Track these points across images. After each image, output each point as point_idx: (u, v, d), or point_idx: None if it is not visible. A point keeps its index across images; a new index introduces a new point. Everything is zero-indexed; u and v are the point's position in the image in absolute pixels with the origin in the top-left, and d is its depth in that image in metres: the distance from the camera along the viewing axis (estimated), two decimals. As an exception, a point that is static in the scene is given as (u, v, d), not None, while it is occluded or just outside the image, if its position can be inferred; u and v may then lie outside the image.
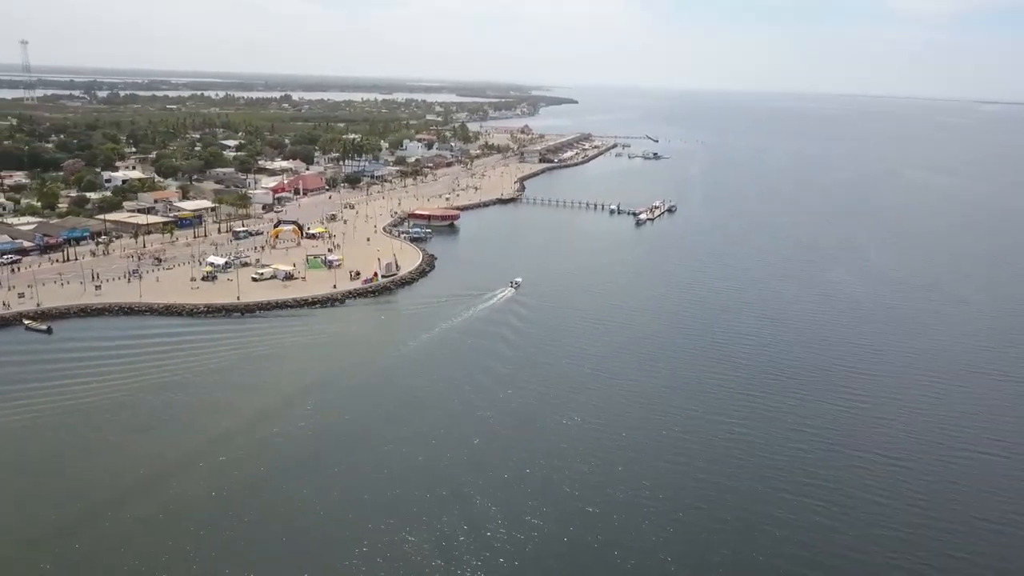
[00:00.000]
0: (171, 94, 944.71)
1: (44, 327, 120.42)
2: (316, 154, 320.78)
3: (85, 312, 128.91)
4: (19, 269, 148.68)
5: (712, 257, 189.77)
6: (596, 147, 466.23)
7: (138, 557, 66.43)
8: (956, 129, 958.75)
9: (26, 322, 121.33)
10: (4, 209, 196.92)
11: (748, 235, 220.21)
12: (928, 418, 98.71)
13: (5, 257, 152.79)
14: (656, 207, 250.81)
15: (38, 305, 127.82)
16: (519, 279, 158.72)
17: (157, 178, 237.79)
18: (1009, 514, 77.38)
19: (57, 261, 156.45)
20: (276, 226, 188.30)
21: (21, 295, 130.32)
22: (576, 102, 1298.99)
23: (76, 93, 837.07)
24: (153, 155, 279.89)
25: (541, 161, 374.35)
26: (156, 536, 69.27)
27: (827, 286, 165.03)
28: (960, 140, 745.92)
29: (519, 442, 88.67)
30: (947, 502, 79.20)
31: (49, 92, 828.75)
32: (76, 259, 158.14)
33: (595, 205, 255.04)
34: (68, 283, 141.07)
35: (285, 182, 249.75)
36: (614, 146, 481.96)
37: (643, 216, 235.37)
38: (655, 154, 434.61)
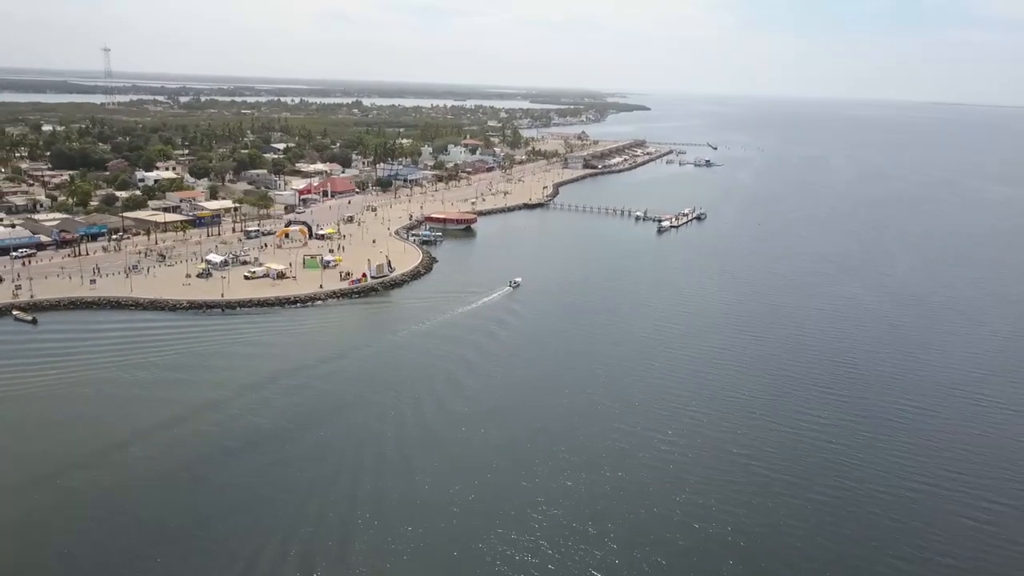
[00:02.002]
0: (250, 99, 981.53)
1: (30, 318, 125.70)
2: (355, 158, 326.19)
3: (75, 305, 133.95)
4: (29, 263, 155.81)
5: (721, 268, 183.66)
6: (648, 153, 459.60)
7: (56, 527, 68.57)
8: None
9: (15, 313, 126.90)
10: (42, 206, 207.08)
11: (769, 245, 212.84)
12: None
13: (21, 251, 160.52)
14: (685, 214, 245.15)
15: (31, 297, 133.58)
16: (519, 279, 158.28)
17: (189, 178, 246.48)
18: None
19: (69, 256, 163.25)
20: (287, 225, 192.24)
21: (18, 287, 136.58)
22: (648, 109, 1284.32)
23: (160, 98, 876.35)
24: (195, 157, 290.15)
25: (585, 167, 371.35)
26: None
27: (829, 298, 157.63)
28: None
29: (440, 453, 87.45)
30: None
31: (135, 97, 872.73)
32: (88, 254, 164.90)
33: (622, 211, 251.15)
34: (70, 277, 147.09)
35: (314, 184, 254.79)
36: (668, 152, 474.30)
37: (666, 223, 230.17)
38: (707, 161, 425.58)
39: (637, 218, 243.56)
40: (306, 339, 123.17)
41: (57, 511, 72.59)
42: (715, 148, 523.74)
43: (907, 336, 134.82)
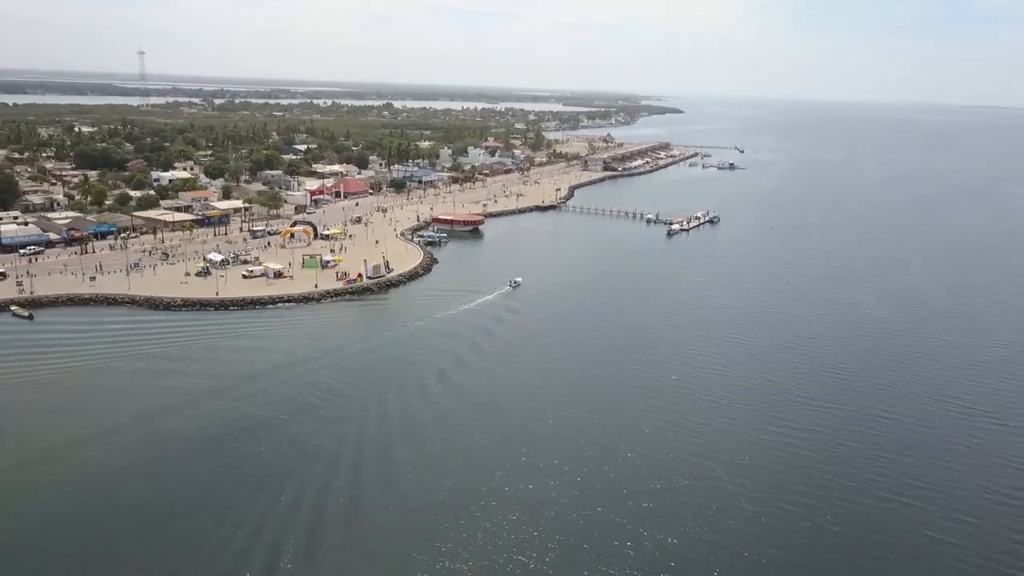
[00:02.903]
0: (283, 102, 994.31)
1: (27, 313, 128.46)
2: (372, 159, 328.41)
3: (72, 301, 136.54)
4: (36, 259, 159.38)
5: (724, 271, 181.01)
6: (671, 156, 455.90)
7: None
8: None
9: (13, 308, 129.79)
10: (59, 205, 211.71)
11: (778, 249, 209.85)
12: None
13: (29, 248, 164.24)
14: (697, 217, 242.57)
15: (31, 292, 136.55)
16: (519, 279, 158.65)
17: (204, 178, 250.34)
18: None
19: (76, 254, 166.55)
20: (292, 225, 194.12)
21: (19, 283, 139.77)
22: (681, 112, 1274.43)
23: (195, 100, 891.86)
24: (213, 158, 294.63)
25: (605, 169, 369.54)
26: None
27: (827, 304, 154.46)
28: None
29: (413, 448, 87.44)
30: None
31: (172, 99, 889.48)
32: (94, 252, 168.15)
33: (633, 214, 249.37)
34: (73, 274, 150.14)
35: (328, 185, 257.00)
36: (693, 156, 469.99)
37: (675, 226, 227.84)
38: (731, 164, 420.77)
39: (648, 221, 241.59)
40: (294, 337, 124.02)
41: (31, 495, 75.00)
42: (742, 151, 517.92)
43: (900, 343, 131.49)
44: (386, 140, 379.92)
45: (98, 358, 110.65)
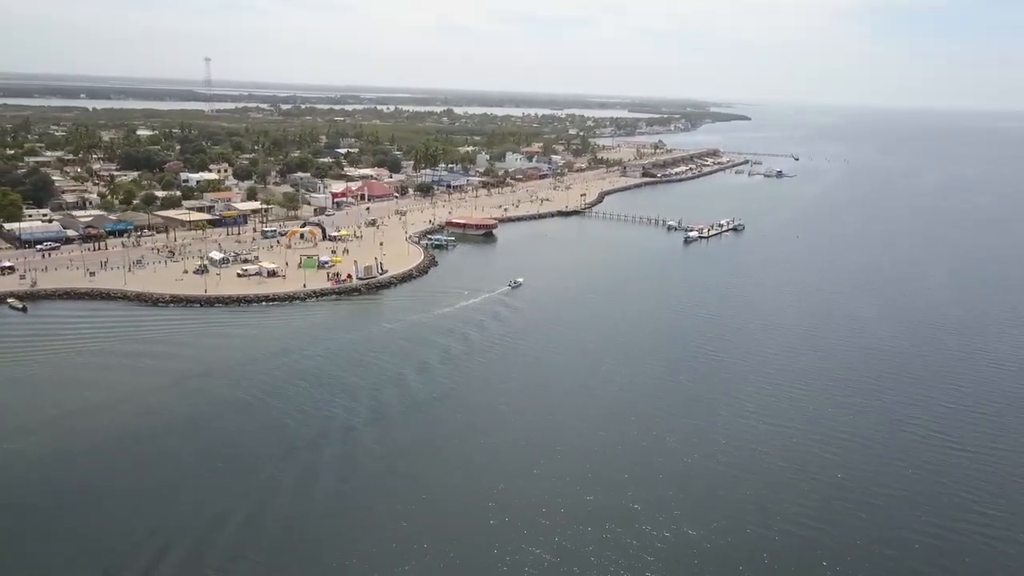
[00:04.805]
0: (349, 107, 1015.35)
1: (21, 306, 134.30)
2: (405, 163, 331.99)
3: (68, 295, 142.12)
4: (49, 255, 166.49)
5: (732, 282, 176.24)
6: (719, 163, 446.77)
7: None
8: None
9: (9, 301, 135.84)
10: (90, 203, 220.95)
11: (796, 259, 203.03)
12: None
13: (45, 244, 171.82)
14: (720, 225, 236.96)
15: (31, 286, 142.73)
16: (520, 279, 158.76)
17: (231, 179, 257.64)
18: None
19: (89, 251, 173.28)
20: (303, 226, 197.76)
21: (22, 277, 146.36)
22: (749, 119, 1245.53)
23: (263, 106, 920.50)
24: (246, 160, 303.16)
25: (644, 176, 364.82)
26: None
27: (828, 317, 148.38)
28: None
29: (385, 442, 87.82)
30: None
31: (239, 105, 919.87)
32: (107, 249, 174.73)
33: (656, 221, 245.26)
34: (78, 269, 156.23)
35: (352, 188, 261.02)
36: (744, 163, 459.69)
37: (693, 234, 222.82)
38: (779, 172, 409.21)
39: (670, 228, 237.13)
40: (269, 333, 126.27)
41: None
42: (797, 159, 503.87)
43: (892, 360, 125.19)
44: (430, 144, 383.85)
45: (80, 349, 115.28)
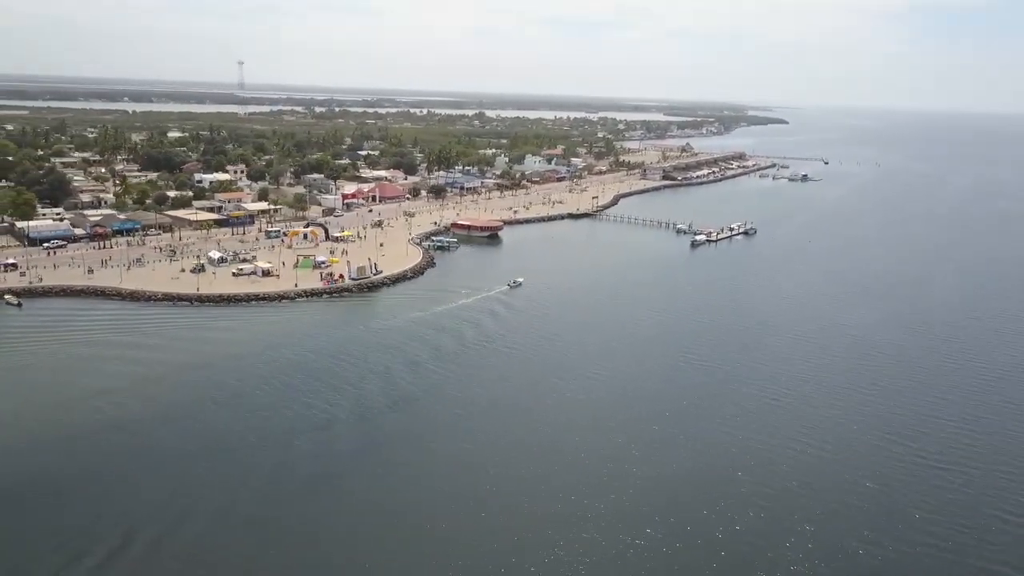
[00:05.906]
0: (383, 111, 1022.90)
1: (16, 302, 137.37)
2: (421, 165, 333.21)
3: (64, 292, 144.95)
4: (55, 253, 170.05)
5: (732, 286, 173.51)
6: (744, 167, 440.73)
7: None
8: None
9: (6, 297, 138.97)
10: (105, 203, 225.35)
11: (803, 265, 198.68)
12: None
13: (52, 242, 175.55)
14: (731, 228, 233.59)
15: (30, 283, 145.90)
16: (520, 279, 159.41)
17: (245, 180, 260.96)
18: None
19: (95, 249, 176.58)
20: (306, 227, 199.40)
21: (22, 274, 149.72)
22: (786, 123, 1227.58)
23: (297, 109, 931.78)
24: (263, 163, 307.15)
25: (664, 179, 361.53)
26: None
27: (821, 323, 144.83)
28: None
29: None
30: None
31: (274, 108, 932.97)
32: (112, 247, 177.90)
33: (665, 224, 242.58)
34: (79, 267, 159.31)
35: (364, 189, 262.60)
36: (770, 166, 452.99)
37: (700, 238, 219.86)
38: (804, 176, 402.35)
39: (679, 231, 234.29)
40: (254, 331, 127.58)
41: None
42: (826, 163, 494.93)
43: (890, 366, 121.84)
44: (450, 146, 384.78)
45: (69, 342, 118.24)
